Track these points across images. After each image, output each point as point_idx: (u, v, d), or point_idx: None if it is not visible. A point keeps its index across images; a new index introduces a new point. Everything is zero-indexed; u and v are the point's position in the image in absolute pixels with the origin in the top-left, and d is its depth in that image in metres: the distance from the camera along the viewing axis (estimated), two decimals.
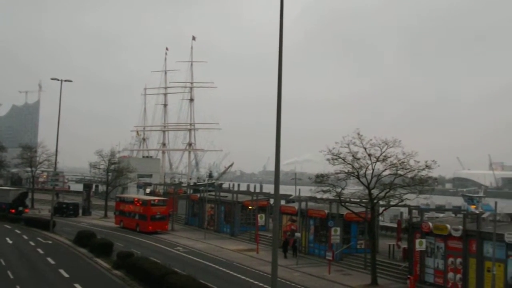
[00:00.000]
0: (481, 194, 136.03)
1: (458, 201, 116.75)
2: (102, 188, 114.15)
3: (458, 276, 37.81)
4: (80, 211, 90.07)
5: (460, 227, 37.91)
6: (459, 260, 37.88)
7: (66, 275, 38.25)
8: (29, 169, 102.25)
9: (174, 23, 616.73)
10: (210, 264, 46.73)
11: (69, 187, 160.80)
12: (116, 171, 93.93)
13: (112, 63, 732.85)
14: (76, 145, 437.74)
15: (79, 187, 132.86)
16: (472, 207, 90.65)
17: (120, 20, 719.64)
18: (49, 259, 44.63)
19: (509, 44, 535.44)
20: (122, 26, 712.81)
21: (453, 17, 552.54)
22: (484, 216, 40.77)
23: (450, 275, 38.43)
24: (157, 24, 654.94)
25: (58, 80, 62.71)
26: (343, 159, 40.78)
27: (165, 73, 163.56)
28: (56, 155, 73.38)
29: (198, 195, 79.36)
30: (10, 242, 55.08)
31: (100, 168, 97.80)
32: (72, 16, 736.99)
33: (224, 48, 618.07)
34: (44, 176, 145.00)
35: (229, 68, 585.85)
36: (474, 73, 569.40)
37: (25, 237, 59.18)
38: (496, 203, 36.57)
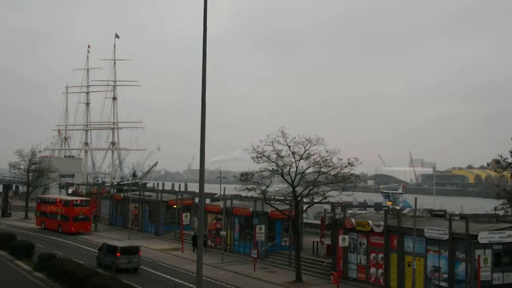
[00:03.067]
0: (399, 191, 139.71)
1: (380, 198, 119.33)
2: (22, 188, 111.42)
3: (380, 271, 38.68)
4: (0, 212, 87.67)
5: (382, 223, 38.76)
6: (380, 255, 38.74)
7: None
8: None
9: (98, 22, 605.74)
10: None
11: None
12: (37, 171, 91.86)
13: (32, 59, 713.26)
14: None
15: None
16: (388, 203, 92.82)
17: (41, 16, 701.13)
18: None
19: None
20: (43, 22, 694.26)
21: (384, 15, 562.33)
22: (404, 212, 41.74)
23: (372, 270, 39.27)
24: (80, 23, 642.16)
25: None
26: (268, 157, 41.05)
27: (88, 71, 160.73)
28: None
29: (122, 194, 78.44)
30: None
31: (20, 169, 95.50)
32: None
33: (149, 50, 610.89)
34: None
35: (154, 70, 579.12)
36: (401, 72, 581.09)
37: None
38: (416, 199, 37.46)
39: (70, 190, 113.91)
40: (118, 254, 42.66)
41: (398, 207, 62.05)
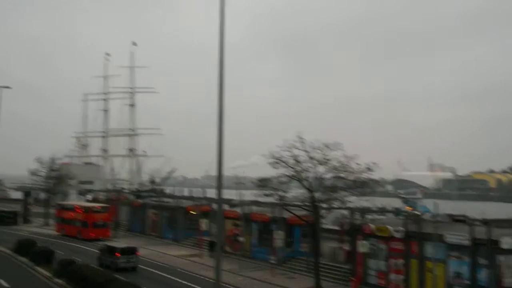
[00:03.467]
0: (418, 196, 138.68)
1: (399, 203, 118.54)
2: (42, 195, 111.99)
3: (400, 277, 38.30)
4: (20, 219, 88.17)
5: (402, 228, 38.41)
6: (401, 261, 38.38)
7: (6, 285, 37.41)
8: None
9: (114, 30, 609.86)
10: (153, 270, 46.30)
11: (8, 194, 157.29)
12: (56, 178, 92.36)
13: (47, 69, 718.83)
14: (14, 152, 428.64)
15: (19, 195, 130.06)
16: (407, 209, 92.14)
17: (56, 26, 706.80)
18: None
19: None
20: (58, 32, 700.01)
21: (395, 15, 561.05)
22: (425, 217, 41.37)
23: (392, 276, 38.89)
24: (97, 31, 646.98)
25: None
26: (285, 163, 40.80)
27: (106, 78, 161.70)
28: None
29: (141, 201, 78.63)
30: None
31: (40, 175, 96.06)
32: (4, 22, 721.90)
33: (168, 59, 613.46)
34: None
35: (172, 76, 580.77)
36: (420, 73, 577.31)
37: None
38: (436, 204, 37.14)
39: (89, 197, 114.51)
40: (117, 255, 45.75)
41: (417, 212, 61.58)
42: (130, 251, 46.98)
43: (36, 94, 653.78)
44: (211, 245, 54.58)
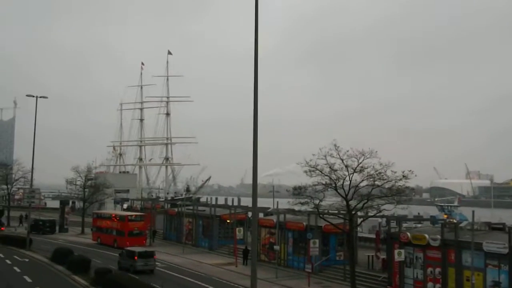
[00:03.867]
0: (455, 204, 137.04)
1: (436, 211, 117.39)
2: (79, 204, 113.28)
3: (438, 285, 37.90)
4: (57, 228, 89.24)
5: (439, 236, 38.01)
6: (438, 269, 37.98)
7: None
8: (4, 186, 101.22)
9: (149, 39, 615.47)
10: (189, 279, 46.36)
11: (45, 203, 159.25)
12: (92, 187, 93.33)
13: (83, 79, 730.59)
14: (51, 162, 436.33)
15: (56, 204, 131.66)
16: (444, 216, 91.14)
17: (92, 36, 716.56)
18: (26, 277, 43.83)
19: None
20: (94, 42, 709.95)
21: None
22: (462, 225, 40.87)
23: (430, 285, 38.48)
24: (132, 40, 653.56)
25: (33, 96, 61.97)
26: (320, 171, 40.61)
27: (141, 88, 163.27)
28: (32, 172, 72.66)
29: (176, 209, 78.99)
30: None
31: (76, 184, 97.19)
32: (41, 34, 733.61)
33: (203, 67, 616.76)
34: (20, 194, 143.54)
35: (207, 86, 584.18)
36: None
37: (1, 255, 58.23)
38: (473, 212, 36.63)
39: (125, 205, 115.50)
40: (135, 258, 48.07)
41: (453, 220, 60.89)
42: (148, 255, 49.06)
43: (74, 105, 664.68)
44: (244, 253, 55.18)
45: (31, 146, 63.41)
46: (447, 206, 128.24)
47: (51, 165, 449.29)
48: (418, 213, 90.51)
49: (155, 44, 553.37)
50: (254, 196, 23.41)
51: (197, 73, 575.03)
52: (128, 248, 52.48)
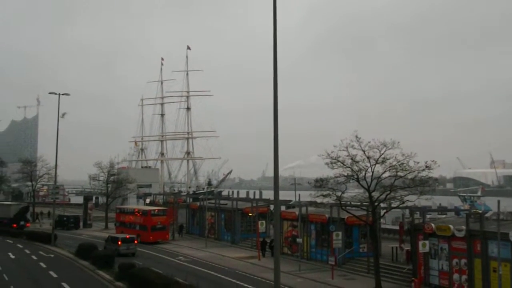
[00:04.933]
0: (478, 194, 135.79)
1: (459, 201, 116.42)
2: (102, 199, 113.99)
3: (464, 277, 37.40)
4: (81, 223, 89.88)
5: (464, 227, 37.53)
6: (463, 261, 37.49)
7: None
8: (29, 183, 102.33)
9: (169, 34, 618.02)
10: (212, 272, 46.38)
11: (69, 199, 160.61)
12: (115, 182, 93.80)
13: (106, 75, 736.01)
14: (74, 158, 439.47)
15: (80, 200, 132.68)
16: (467, 207, 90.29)
17: (113, 32, 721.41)
18: (51, 272, 44.24)
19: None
20: (115, 38, 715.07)
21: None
22: (487, 215, 40.32)
23: (456, 276, 38.02)
24: (152, 36, 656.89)
25: (56, 94, 62.42)
26: (342, 163, 40.29)
27: (161, 83, 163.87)
28: (56, 168, 73.36)
29: (198, 203, 79.11)
30: (13, 257, 54.71)
31: (99, 180, 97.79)
32: (62, 30, 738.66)
33: (221, 58, 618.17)
34: (45, 190, 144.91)
35: (226, 77, 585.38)
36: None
37: (27, 251, 58.88)
38: (498, 201, 36.05)
39: (147, 200, 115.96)
40: (119, 243, 55.56)
41: (477, 210, 60.23)
42: (129, 241, 56.61)
43: (97, 101, 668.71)
44: (262, 246, 55.95)
45: (54, 143, 64.43)
46: (470, 196, 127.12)
47: (74, 161, 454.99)
48: (440, 204, 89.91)
49: (179, 38, 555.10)
50: (276, 189, 23.26)
51: (216, 64, 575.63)
52: (113, 235, 61.62)
